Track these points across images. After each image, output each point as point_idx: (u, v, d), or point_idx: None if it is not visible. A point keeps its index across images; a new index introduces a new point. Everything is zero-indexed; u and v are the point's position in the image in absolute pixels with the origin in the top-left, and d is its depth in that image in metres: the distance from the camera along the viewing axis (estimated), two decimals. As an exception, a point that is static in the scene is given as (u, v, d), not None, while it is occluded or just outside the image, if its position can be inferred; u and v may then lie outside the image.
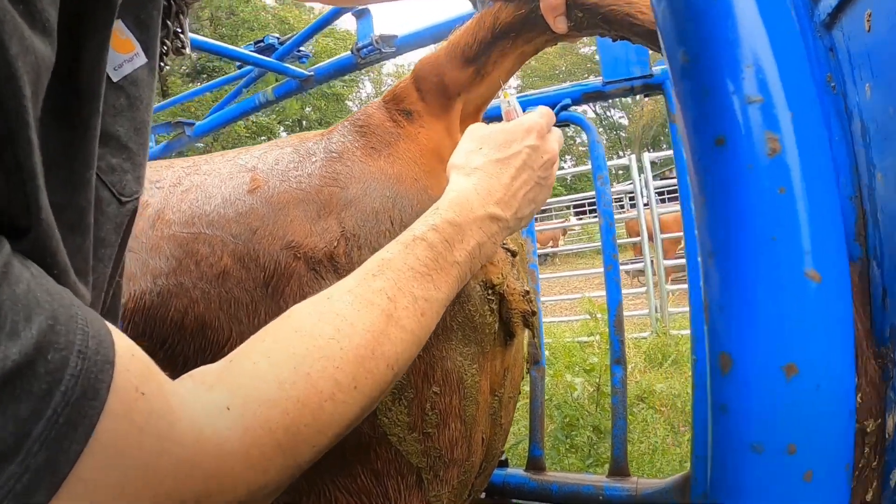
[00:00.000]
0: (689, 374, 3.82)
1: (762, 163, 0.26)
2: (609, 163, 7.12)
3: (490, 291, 0.83)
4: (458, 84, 0.88)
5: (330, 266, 0.75)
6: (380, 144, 0.86)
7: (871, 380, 0.56)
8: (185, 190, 0.87)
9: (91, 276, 0.45)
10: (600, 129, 33.14)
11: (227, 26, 21.29)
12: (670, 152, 6.38)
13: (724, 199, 0.28)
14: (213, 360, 0.72)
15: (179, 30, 0.70)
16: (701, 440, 1.39)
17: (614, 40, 0.80)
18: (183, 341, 0.75)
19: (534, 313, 0.89)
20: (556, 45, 0.90)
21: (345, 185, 0.81)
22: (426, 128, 0.89)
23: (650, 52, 1.59)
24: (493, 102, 1.02)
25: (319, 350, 0.48)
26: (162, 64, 0.70)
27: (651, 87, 1.58)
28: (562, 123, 1.85)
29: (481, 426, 0.84)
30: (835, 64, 0.70)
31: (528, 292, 0.89)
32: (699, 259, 0.31)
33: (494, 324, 0.84)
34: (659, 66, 1.58)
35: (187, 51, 0.69)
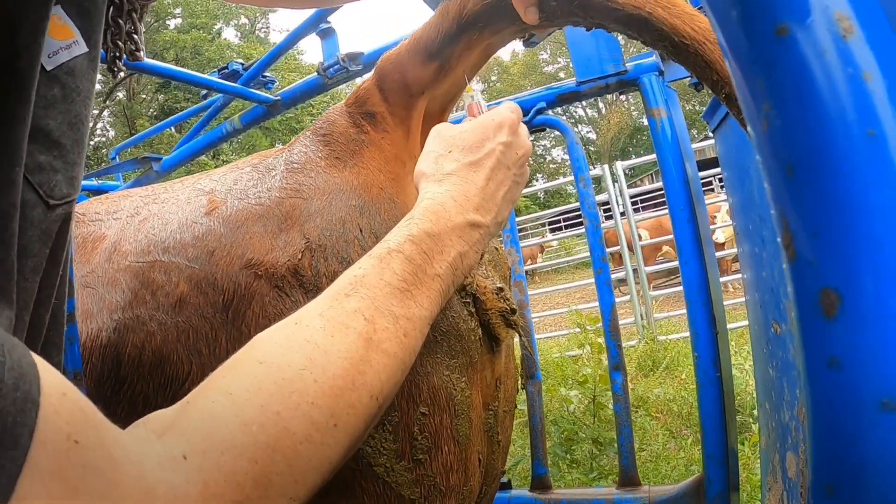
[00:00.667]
0: (683, 378, 3.80)
1: (838, 47, 0.20)
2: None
3: (463, 293, 0.76)
4: (421, 81, 0.83)
5: (294, 281, 0.68)
6: (344, 154, 0.80)
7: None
8: (143, 219, 0.81)
9: (14, 294, 0.38)
10: (567, 147, 33.68)
11: (193, 66, 21.31)
12: (643, 159, 6.43)
13: (799, 98, 0.21)
14: (174, 399, 0.63)
15: (133, 30, 0.65)
16: (711, 439, 1.33)
17: (588, 29, 0.75)
18: (142, 379, 0.67)
19: (514, 311, 0.82)
20: (524, 36, 0.85)
21: (308, 196, 0.74)
22: (389, 132, 0.83)
23: (622, 48, 1.57)
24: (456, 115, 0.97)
25: (289, 384, 0.41)
26: (115, 69, 0.64)
27: (626, 83, 1.55)
28: (538, 128, 1.82)
29: (477, 446, 0.77)
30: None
31: (501, 289, 0.83)
32: (766, 184, 0.24)
33: (477, 329, 0.77)
34: (632, 62, 1.55)
35: (142, 55, 0.64)
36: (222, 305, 0.67)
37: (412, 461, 0.67)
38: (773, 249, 1.14)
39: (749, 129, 0.27)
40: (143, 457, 0.34)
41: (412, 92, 0.82)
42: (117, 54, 0.64)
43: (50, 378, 0.30)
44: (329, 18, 1.95)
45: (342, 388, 0.43)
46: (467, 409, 0.73)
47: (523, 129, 0.73)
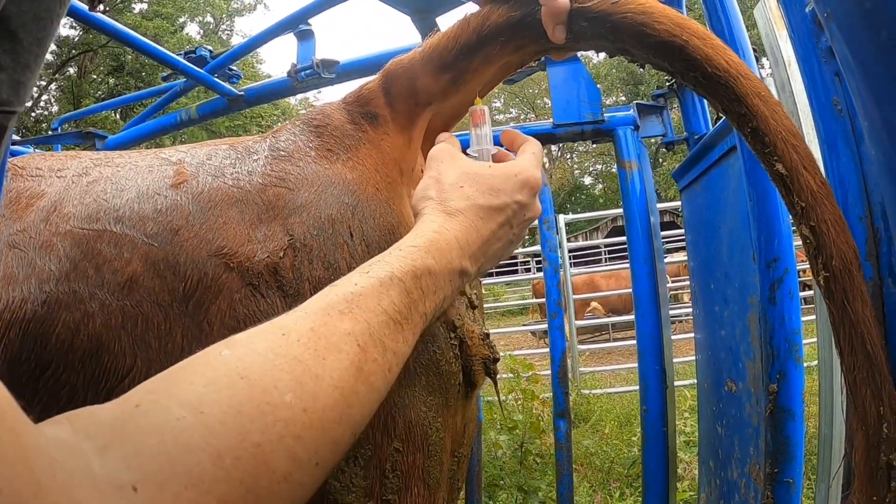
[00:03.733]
0: (606, 433, 3.84)
1: None
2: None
3: (452, 335, 0.71)
4: (431, 92, 0.78)
5: (272, 281, 0.60)
6: (338, 147, 0.73)
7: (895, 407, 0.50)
8: (92, 181, 0.70)
9: None
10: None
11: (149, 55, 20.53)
12: (582, 215, 6.65)
13: None
14: (107, 394, 0.54)
15: None
16: (653, 493, 1.31)
17: (611, 56, 0.74)
18: (70, 368, 0.56)
19: (496, 360, 0.78)
20: (541, 59, 0.83)
21: (294, 186, 0.67)
22: (390, 135, 0.77)
23: (602, 97, 1.59)
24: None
25: (274, 411, 0.34)
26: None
27: (601, 132, 1.57)
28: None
29: (443, 492, 0.70)
30: (841, 88, 0.68)
31: (487, 335, 0.78)
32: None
33: (458, 373, 0.72)
34: (610, 113, 1.58)
35: None
36: (182, 294, 0.58)
37: (381, 501, 0.59)
38: (735, 309, 1.15)
39: (879, 152, 0.24)
40: (75, 479, 0.25)
41: (419, 101, 0.77)
42: None
43: None
44: (310, 21, 1.89)
45: (330, 421, 0.37)
46: (440, 451, 0.67)
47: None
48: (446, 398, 0.69)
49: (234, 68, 2.04)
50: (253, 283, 0.59)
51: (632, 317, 1.45)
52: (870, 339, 0.51)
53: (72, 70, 21.37)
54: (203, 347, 0.54)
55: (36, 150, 2.25)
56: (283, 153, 0.71)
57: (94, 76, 21.93)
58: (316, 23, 1.93)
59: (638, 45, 0.66)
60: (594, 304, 9.04)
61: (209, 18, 25.21)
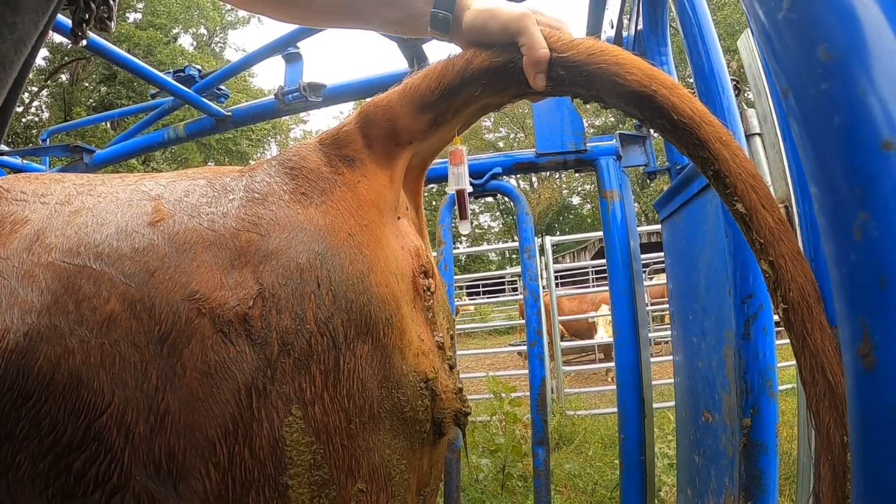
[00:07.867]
0: (590, 455, 3.84)
1: None
2: (505, 245, 7.34)
3: (423, 385, 0.72)
4: (411, 132, 0.79)
5: (242, 330, 0.61)
6: (312, 190, 0.74)
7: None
8: (75, 211, 0.71)
9: None
10: (497, 213, 34.64)
11: (140, 66, 20.47)
12: (570, 237, 6.68)
13: None
14: (86, 427, 0.56)
15: None
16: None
17: (586, 102, 0.77)
18: (52, 399, 0.58)
19: (466, 414, 0.80)
20: (521, 100, 0.85)
21: (266, 232, 0.68)
22: (368, 177, 0.78)
23: (592, 118, 1.63)
24: (436, 163, 0.95)
25: None
26: (80, 33, 0.57)
27: (584, 162, 1.60)
28: (490, 192, 1.83)
29: (407, 530, 0.71)
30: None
31: (461, 390, 0.80)
32: (840, 289, 0.23)
33: (427, 422, 0.73)
34: (592, 143, 1.61)
35: (112, 25, 0.58)
36: (157, 336, 0.59)
37: None
38: (712, 341, 1.17)
39: (828, 230, 0.26)
40: None
41: (399, 141, 0.79)
42: (86, 17, 0.58)
43: None
44: (298, 44, 1.92)
45: None
46: (403, 491, 0.68)
47: None
48: (411, 442, 0.70)
49: (223, 88, 2.06)
50: (224, 331, 0.60)
51: (609, 339, 1.47)
52: (830, 369, 0.52)
53: (64, 77, 21.24)
54: (177, 391, 0.55)
55: (24, 161, 2.25)
56: (257, 195, 0.72)
57: (86, 84, 21.83)
58: (304, 45, 1.96)
59: (611, 93, 0.69)
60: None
61: (203, 30, 25.26)
